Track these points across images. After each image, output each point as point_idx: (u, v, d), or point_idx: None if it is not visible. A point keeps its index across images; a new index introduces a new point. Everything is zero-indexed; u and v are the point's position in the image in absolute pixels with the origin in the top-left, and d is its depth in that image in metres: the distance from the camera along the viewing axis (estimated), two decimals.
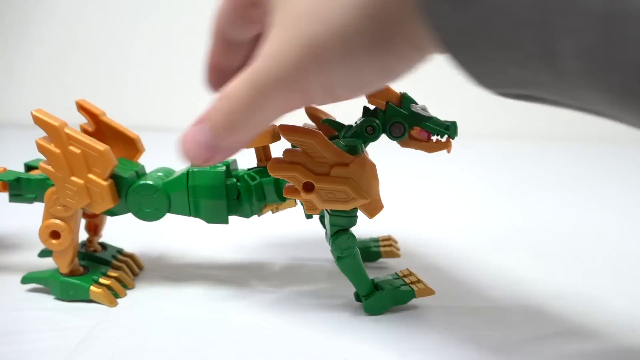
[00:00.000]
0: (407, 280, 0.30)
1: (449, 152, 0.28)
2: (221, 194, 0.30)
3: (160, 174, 0.31)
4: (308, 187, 0.26)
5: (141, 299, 0.31)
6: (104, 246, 0.35)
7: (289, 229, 0.43)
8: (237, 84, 0.21)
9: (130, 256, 0.35)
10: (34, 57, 1.28)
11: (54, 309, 0.30)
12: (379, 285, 0.30)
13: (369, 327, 0.28)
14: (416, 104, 0.28)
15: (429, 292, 0.30)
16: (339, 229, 0.28)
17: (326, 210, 0.28)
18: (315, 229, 0.40)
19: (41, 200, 0.30)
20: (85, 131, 0.32)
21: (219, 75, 0.28)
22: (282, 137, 0.27)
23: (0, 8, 1.28)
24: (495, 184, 0.64)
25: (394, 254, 0.36)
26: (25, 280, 0.32)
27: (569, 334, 0.27)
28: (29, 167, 0.33)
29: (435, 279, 0.32)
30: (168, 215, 0.31)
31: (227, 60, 0.27)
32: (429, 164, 0.63)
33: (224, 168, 0.30)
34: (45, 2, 1.28)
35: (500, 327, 0.28)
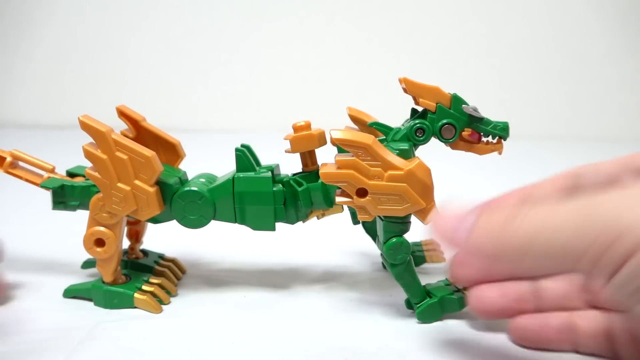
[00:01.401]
0: (459, 287, 0.29)
1: (500, 153, 0.28)
2: (268, 200, 0.29)
3: (203, 179, 0.31)
4: (361, 193, 0.26)
5: None
6: (145, 253, 0.35)
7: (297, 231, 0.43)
8: (547, 207, 0.19)
9: (172, 261, 0.35)
10: (34, 57, 1.28)
11: (54, 309, 0.30)
12: (431, 292, 0.29)
13: (368, 327, 0.28)
14: (467, 104, 0.27)
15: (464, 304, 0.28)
16: (393, 235, 0.27)
17: (379, 216, 0.27)
18: (320, 233, 0.40)
19: (85, 208, 0.30)
20: (125, 137, 0.31)
21: None
22: (331, 142, 0.26)
23: (0, 8, 1.28)
24: (495, 184, 0.64)
25: (438, 258, 0.35)
26: (67, 293, 0.31)
27: None
28: (71, 175, 0.32)
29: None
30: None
31: None
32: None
33: (269, 174, 0.29)
34: (45, 2, 1.28)
35: (501, 327, 0.28)
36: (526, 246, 0.19)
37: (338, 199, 0.26)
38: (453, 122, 0.27)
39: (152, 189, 0.28)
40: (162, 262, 0.34)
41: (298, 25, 1.27)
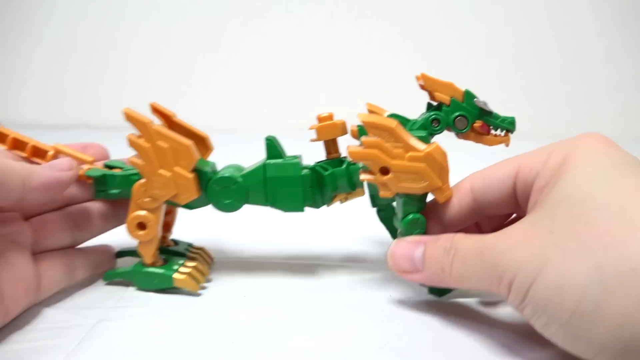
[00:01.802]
0: None
1: (507, 145, 0.31)
2: (297, 183, 0.31)
3: (232, 169, 0.33)
4: (384, 171, 0.28)
5: (142, 298, 0.31)
6: (175, 242, 0.37)
7: (293, 224, 0.43)
8: (468, 243, 0.25)
9: (201, 249, 0.37)
10: (34, 57, 1.28)
11: (54, 308, 0.30)
12: None
13: (368, 327, 0.28)
14: (479, 99, 0.30)
15: None
16: (411, 212, 0.29)
17: (398, 195, 0.29)
18: (324, 227, 0.41)
19: (124, 197, 0.32)
20: (165, 128, 0.33)
21: None
22: (361, 125, 0.29)
23: (0, 8, 1.28)
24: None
25: None
26: (107, 277, 0.33)
27: None
28: (109, 167, 0.34)
29: None
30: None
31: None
32: None
33: (298, 159, 0.32)
34: (45, 2, 1.28)
35: (502, 327, 0.28)
36: (457, 282, 0.26)
37: (362, 176, 0.29)
38: (466, 114, 0.30)
39: (190, 175, 0.30)
40: (192, 249, 0.36)
41: (298, 25, 1.27)
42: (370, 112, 0.34)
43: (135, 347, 0.26)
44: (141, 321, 0.29)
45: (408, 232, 0.29)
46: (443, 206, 0.29)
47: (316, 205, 0.33)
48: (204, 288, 0.33)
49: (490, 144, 0.31)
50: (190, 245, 0.37)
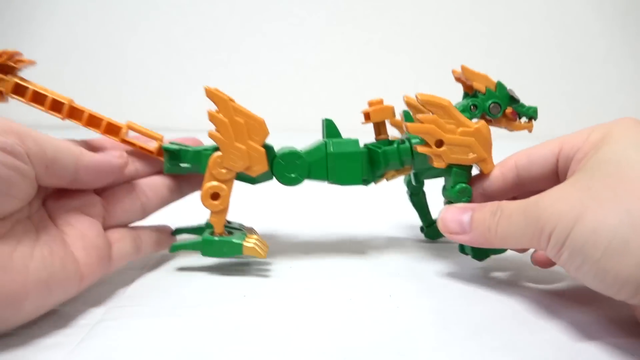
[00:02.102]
0: None
1: (530, 131, 0.36)
2: (357, 158, 0.34)
3: (287, 149, 0.35)
4: (439, 143, 0.32)
5: (142, 297, 0.31)
6: (228, 221, 0.38)
7: (300, 218, 0.43)
8: (513, 204, 0.28)
9: (251, 229, 0.39)
10: (34, 57, 1.28)
11: (54, 308, 0.30)
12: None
13: (368, 326, 0.28)
14: (510, 88, 0.35)
15: None
16: (460, 181, 0.33)
17: (449, 166, 0.33)
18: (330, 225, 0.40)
19: (194, 171, 0.35)
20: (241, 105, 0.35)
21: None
22: (418, 102, 0.33)
23: (0, 8, 1.28)
24: None
25: None
26: (174, 249, 0.35)
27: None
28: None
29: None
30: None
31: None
32: None
33: (355, 138, 0.35)
34: (45, 2, 1.28)
35: (502, 327, 0.28)
36: (502, 240, 0.28)
37: (420, 148, 0.33)
38: (499, 101, 0.34)
39: (262, 149, 0.33)
40: (245, 228, 0.38)
41: (298, 25, 1.27)
42: (408, 104, 0.37)
43: (135, 347, 0.26)
44: (141, 321, 0.29)
45: (457, 200, 0.33)
46: (488, 179, 0.33)
47: (367, 182, 0.36)
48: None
49: (517, 129, 0.36)
50: (241, 224, 0.39)
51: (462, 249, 0.34)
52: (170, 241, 0.37)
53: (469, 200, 0.33)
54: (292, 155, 0.34)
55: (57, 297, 0.27)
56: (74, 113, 0.33)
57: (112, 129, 0.34)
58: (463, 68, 0.35)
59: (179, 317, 0.29)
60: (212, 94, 0.32)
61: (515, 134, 0.37)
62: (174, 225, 0.40)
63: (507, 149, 0.34)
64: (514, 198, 0.33)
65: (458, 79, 0.37)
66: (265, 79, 1.26)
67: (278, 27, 1.27)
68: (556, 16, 1.21)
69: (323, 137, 0.36)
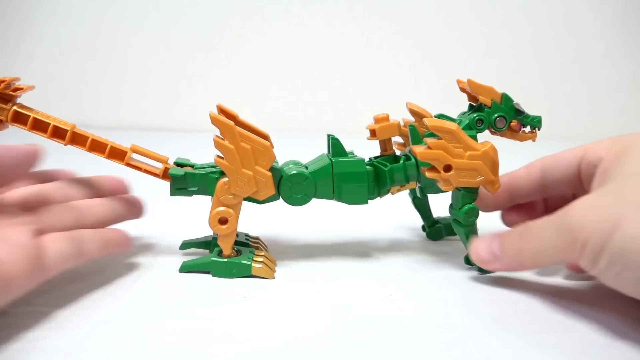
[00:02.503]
0: None
1: (534, 140, 0.36)
2: (363, 178, 0.35)
3: (292, 165, 0.36)
4: (447, 168, 0.32)
5: (142, 298, 0.31)
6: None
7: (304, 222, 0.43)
8: (540, 221, 0.28)
9: (257, 238, 0.39)
10: (34, 57, 1.28)
11: (54, 308, 0.30)
12: None
13: (369, 326, 0.28)
14: (516, 102, 0.35)
15: None
16: (467, 202, 0.33)
17: (457, 188, 0.33)
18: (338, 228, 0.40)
19: (201, 193, 0.35)
20: (246, 130, 0.35)
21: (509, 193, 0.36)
22: (427, 128, 0.33)
23: (0, 8, 1.28)
24: None
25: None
26: (184, 268, 0.35)
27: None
28: (179, 164, 0.35)
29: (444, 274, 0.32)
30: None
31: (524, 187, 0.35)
32: None
33: (364, 157, 0.35)
34: (45, 2, 1.28)
35: (503, 327, 0.28)
36: (533, 258, 0.28)
37: (428, 174, 0.33)
38: (504, 115, 0.34)
39: (269, 173, 0.33)
40: (251, 239, 0.39)
41: (298, 25, 1.27)
42: (412, 111, 0.37)
43: (135, 349, 0.26)
44: (141, 322, 0.29)
45: (465, 220, 0.33)
46: (513, 176, 0.35)
47: (373, 197, 0.36)
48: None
49: (522, 139, 0.36)
50: (247, 235, 0.39)
51: (468, 260, 0.34)
52: (123, 244, 0.35)
53: (476, 218, 0.34)
54: (299, 177, 0.34)
55: None
56: (77, 139, 0.33)
57: (116, 154, 0.34)
58: (469, 82, 0.35)
59: (179, 318, 0.29)
60: (217, 121, 0.32)
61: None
62: (180, 237, 0.39)
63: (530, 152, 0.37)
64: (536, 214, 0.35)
65: (463, 90, 0.37)
66: (265, 79, 1.26)
67: (278, 27, 1.27)
68: (556, 16, 1.21)
69: (328, 152, 0.37)
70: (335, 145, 0.35)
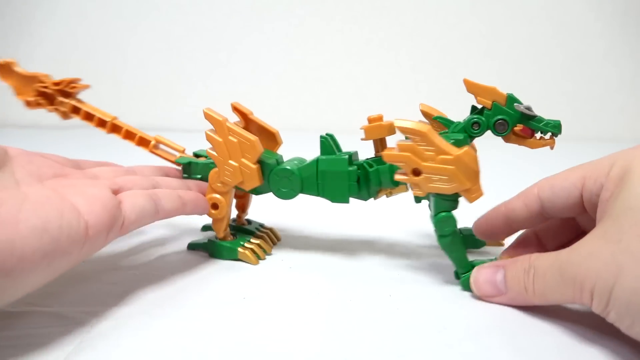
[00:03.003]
0: None
1: (551, 148, 0.32)
2: (344, 177, 0.35)
3: (296, 162, 0.37)
4: (416, 172, 0.30)
5: (142, 298, 0.31)
6: (249, 221, 0.43)
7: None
8: (545, 261, 0.27)
9: (270, 229, 0.42)
10: (34, 57, 1.28)
11: (54, 308, 0.30)
12: (475, 265, 0.32)
13: (368, 327, 0.28)
14: (521, 104, 0.31)
15: None
16: (442, 210, 0.31)
17: (431, 195, 0.31)
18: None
19: (205, 180, 0.38)
20: (237, 125, 0.38)
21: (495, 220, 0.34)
22: (396, 130, 0.31)
23: (0, 8, 1.28)
24: (496, 184, 0.64)
25: (498, 242, 0.38)
26: (190, 246, 0.39)
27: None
28: (196, 155, 0.41)
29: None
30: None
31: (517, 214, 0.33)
32: None
33: (346, 156, 0.35)
34: (45, 2, 1.28)
35: (502, 328, 0.28)
36: (541, 298, 0.27)
37: (397, 176, 0.31)
38: (506, 118, 0.31)
39: (254, 166, 0.35)
40: (262, 229, 0.42)
41: (298, 25, 1.27)
42: (423, 112, 0.35)
43: (135, 349, 0.26)
44: (141, 323, 0.29)
45: (439, 229, 0.31)
46: (512, 211, 0.32)
47: (363, 198, 0.36)
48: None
49: (533, 146, 0.32)
50: (261, 225, 0.42)
51: (457, 275, 0.33)
52: (199, 205, 0.37)
53: (453, 229, 0.31)
54: (285, 172, 0.36)
55: (63, 244, 0.25)
56: (115, 128, 0.40)
57: (143, 142, 0.40)
58: (465, 82, 0.32)
59: (179, 319, 0.29)
60: (209, 116, 0.35)
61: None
62: (185, 238, 0.41)
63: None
64: (537, 237, 0.34)
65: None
66: (265, 78, 1.26)
67: (278, 27, 1.27)
68: (556, 16, 1.21)
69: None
70: (323, 144, 0.36)
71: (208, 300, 0.31)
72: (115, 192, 0.31)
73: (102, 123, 0.40)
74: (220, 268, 0.36)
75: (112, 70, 1.24)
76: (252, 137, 0.35)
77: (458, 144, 0.30)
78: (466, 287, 0.32)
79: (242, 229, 0.41)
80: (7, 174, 0.28)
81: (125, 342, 0.26)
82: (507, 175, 0.68)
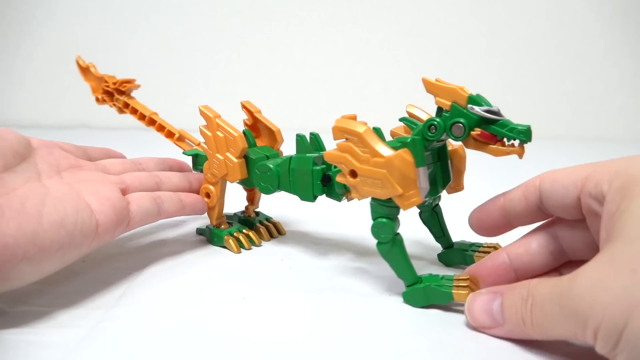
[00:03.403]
0: (456, 284, 0.29)
1: (519, 157, 0.28)
2: (307, 176, 0.35)
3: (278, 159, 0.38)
4: (353, 174, 0.29)
5: (142, 297, 0.31)
6: (257, 213, 0.44)
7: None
8: (544, 289, 0.24)
9: (275, 223, 0.43)
10: (34, 57, 1.28)
11: (54, 308, 0.30)
12: (421, 278, 0.30)
13: (368, 326, 0.28)
14: (484, 105, 0.27)
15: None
16: (379, 216, 0.30)
17: (371, 198, 0.30)
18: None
19: None
20: (245, 124, 0.42)
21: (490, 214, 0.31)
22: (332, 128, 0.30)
23: (0, 8, 1.28)
24: (496, 184, 0.64)
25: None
26: (198, 231, 0.43)
27: None
28: None
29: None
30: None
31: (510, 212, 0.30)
32: None
33: (313, 155, 0.35)
34: (45, 2, 1.28)
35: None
36: (540, 333, 0.24)
37: (337, 178, 0.30)
38: (463, 121, 0.27)
39: (237, 160, 0.37)
40: (265, 222, 0.43)
41: (298, 25, 1.27)
42: (409, 114, 0.33)
43: (134, 349, 0.26)
44: (140, 323, 0.29)
45: (376, 236, 0.30)
46: (510, 200, 0.29)
47: (334, 198, 0.35)
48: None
49: (496, 154, 0.28)
50: (267, 218, 0.44)
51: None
52: (197, 207, 0.40)
53: (390, 236, 0.30)
54: (263, 167, 0.37)
55: (77, 238, 0.29)
56: (151, 121, 0.46)
57: (169, 134, 0.45)
58: (424, 81, 0.29)
59: (179, 318, 0.29)
60: (202, 112, 0.38)
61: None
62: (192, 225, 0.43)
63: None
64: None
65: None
66: (265, 79, 1.26)
67: (278, 27, 1.27)
68: (556, 16, 1.21)
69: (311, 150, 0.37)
70: (297, 143, 0.36)
71: (208, 299, 0.31)
72: (124, 191, 0.35)
73: (142, 116, 0.46)
74: (220, 268, 0.36)
75: (112, 70, 1.24)
76: (236, 133, 0.37)
77: (401, 146, 0.28)
78: (407, 300, 0.30)
79: (247, 220, 0.43)
80: (31, 164, 0.31)
81: (124, 342, 0.26)
82: (507, 175, 0.68)
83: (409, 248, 0.40)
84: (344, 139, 0.29)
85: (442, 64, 1.19)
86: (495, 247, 0.35)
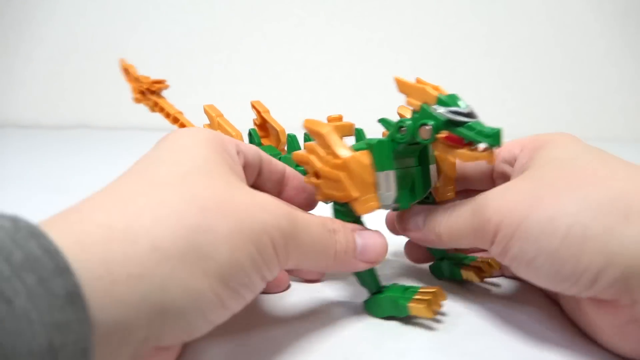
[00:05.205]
0: (418, 297, 0.28)
1: (489, 163, 0.25)
2: None
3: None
4: (317, 175, 0.28)
5: None
6: None
7: None
8: (465, 201, 0.27)
9: None
10: (34, 57, 1.28)
11: None
12: (383, 289, 0.29)
13: (368, 327, 0.28)
14: (451, 106, 0.25)
15: (425, 313, 0.27)
16: (340, 219, 0.28)
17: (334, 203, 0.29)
18: None
19: None
20: (254, 124, 0.41)
21: None
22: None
23: (0, 8, 1.28)
24: None
25: (472, 277, 0.32)
26: None
27: None
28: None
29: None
30: None
31: None
32: None
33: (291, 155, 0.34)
34: (45, 2, 1.28)
35: (500, 328, 0.28)
36: (449, 236, 0.27)
37: (305, 179, 0.29)
38: (431, 122, 0.25)
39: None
40: None
41: (298, 25, 1.27)
42: (400, 115, 0.31)
43: None
44: None
45: None
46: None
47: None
48: None
49: (463, 159, 0.25)
50: None
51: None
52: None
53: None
54: None
55: None
56: (175, 120, 0.48)
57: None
58: (396, 80, 0.28)
59: None
60: (206, 111, 0.40)
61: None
62: None
63: None
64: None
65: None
66: (265, 79, 1.26)
67: (278, 27, 1.27)
68: (556, 16, 1.21)
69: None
70: (288, 142, 0.37)
71: None
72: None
73: (168, 115, 0.49)
74: None
75: (112, 70, 1.24)
76: (234, 132, 0.37)
77: (363, 148, 0.27)
78: (367, 309, 0.29)
79: None
80: None
81: None
82: None
83: (402, 258, 0.38)
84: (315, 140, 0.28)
85: (442, 64, 1.20)
86: (489, 263, 0.33)
